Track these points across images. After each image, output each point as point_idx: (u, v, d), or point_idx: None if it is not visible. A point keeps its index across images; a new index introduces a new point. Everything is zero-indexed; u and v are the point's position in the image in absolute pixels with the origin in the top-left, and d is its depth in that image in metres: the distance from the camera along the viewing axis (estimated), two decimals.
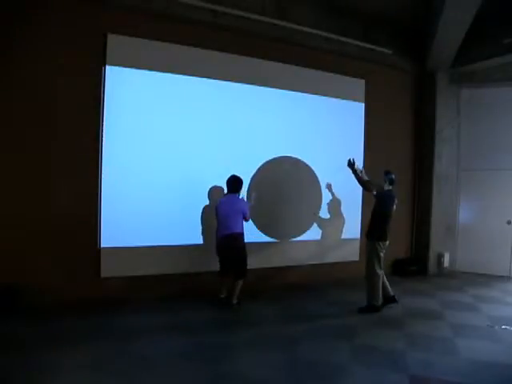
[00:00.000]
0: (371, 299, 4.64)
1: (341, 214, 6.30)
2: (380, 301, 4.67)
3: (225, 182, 4.75)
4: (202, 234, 5.18)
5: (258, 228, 5.55)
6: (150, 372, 3.02)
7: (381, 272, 4.66)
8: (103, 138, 4.67)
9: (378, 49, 6.32)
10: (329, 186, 6.10)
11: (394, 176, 4.79)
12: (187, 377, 2.99)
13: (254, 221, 5.35)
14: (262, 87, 5.56)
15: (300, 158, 5.88)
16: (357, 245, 6.40)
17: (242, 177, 4.75)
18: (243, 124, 5.43)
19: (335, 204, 6.23)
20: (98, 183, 4.67)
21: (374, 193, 4.70)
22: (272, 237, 5.72)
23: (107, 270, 4.70)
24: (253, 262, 5.38)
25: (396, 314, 4.61)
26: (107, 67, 4.68)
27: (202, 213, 5.17)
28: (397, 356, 3.42)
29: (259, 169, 5.57)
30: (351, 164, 4.70)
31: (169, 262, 4.97)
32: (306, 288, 5.60)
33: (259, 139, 5.55)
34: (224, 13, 5.08)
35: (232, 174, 4.74)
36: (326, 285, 5.81)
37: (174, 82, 5.00)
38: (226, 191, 4.83)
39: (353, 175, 4.74)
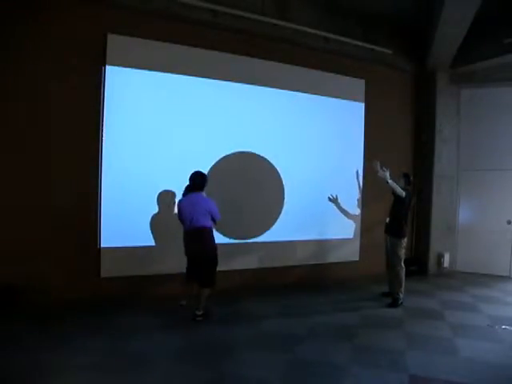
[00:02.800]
0: (399, 292, 4.91)
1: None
2: (403, 294, 4.95)
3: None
4: (156, 241, 4.92)
5: (216, 229, 4.67)
6: (149, 372, 3.02)
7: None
8: (103, 138, 4.67)
9: (378, 49, 6.32)
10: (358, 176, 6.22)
11: (411, 178, 5.20)
12: (187, 376, 2.99)
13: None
14: (261, 87, 5.55)
15: (300, 158, 5.87)
16: (357, 245, 6.41)
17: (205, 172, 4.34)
18: (243, 124, 5.43)
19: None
20: (97, 183, 4.67)
21: (403, 196, 4.85)
22: (231, 237, 5.32)
23: (107, 270, 4.70)
24: (253, 262, 5.39)
25: (396, 314, 4.61)
26: (107, 67, 4.68)
27: (152, 219, 4.87)
28: (397, 356, 3.42)
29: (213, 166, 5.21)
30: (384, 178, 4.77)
31: (169, 262, 4.96)
32: (306, 288, 5.59)
33: (259, 139, 5.55)
34: (224, 12, 5.09)
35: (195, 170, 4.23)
36: (326, 285, 5.82)
37: (174, 82, 5.00)
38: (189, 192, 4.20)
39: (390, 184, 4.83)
